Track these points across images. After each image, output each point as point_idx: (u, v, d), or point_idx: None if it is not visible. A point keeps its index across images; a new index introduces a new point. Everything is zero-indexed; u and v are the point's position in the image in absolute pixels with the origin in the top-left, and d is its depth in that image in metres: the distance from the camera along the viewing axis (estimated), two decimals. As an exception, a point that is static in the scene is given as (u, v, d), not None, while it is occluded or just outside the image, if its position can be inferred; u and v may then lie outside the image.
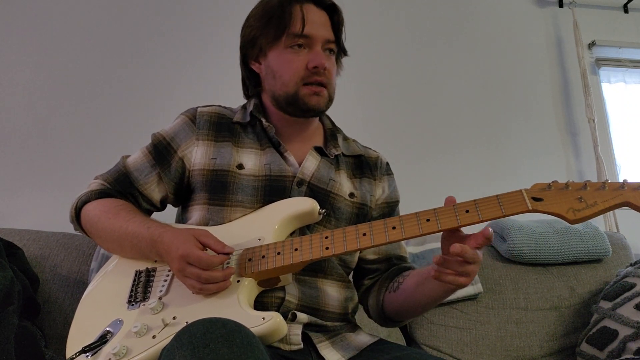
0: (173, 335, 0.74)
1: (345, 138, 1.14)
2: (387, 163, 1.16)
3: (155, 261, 0.92)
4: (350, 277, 1.10)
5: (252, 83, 1.10)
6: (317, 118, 1.10)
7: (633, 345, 1.33)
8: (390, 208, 1.12)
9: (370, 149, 1.16)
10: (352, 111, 2.12)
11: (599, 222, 2.08)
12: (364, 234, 0.83)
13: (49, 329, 1.34)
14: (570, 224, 0.77)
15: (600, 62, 2.49)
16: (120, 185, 1.03)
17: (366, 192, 1.06)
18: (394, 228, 0.82)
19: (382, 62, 2.27)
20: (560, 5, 2.50)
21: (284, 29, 0.98)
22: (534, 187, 0.80)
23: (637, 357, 1.28)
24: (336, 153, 1.06)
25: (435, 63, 2.32)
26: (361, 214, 1.04)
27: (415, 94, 2.26)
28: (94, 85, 1.99)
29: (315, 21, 0.99)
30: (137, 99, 2.00)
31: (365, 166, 1.10)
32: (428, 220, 0.81)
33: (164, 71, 2.05)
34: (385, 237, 0.82)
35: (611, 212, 2.10)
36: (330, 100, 1.02)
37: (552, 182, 0.79)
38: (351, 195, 1.03)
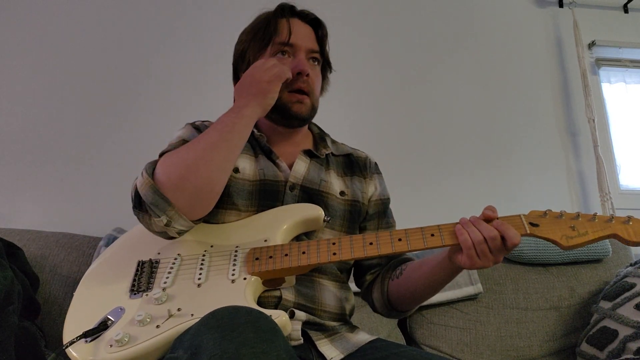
0: (177, 326, 0.75)
1: (334, 141, 1.17)
2: (376, 163, 1.19)
3: (159, 253, 0.93)
4: (350, 278, 1.12)
5: None
6: (306, 127, 1.14)
7: (633, 345, 1.33)
8: (384, 205, 1.14)
9: (358, 150, 1.19)
10: (349, 123, 2.13)
11: (599, 222, 2.07)
12: (371, 243, 0.87)
13: (49, 329, 1.34)
14: (563, 250, 0.83)
15: (600, 62, 2.49)
16: None
17: (357, 190, 1.09)
18: (400, 240, 0.86)
19: (381, 63, 2.27)
20: (560, 5, 2.50)
21: (270, 39, 1.04)
22: (531, 213, 0.87)
23: (637, 357, 1.28)
24: (326, 152, 1.10)
25: (435, 63, 2.32)
26: (355, 211, 1.07)
27: (415, 94, 2.26)
28: (94, 86, 1.99)
29: (300, 32, 1.05)
30: (137, 100, 2.00)
31: (354, 165, 1.14)
32: (432, 235, 0.86)
33: (164, 73, 2.06)
34: (391, 247, 0.86)
35: (610, 211, 2.10)
36: (313, 108, 1.06)
37: (547, 210, 0.86)
38: (342, 193, 1.06)
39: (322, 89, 1.15)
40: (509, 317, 1.64)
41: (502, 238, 0.81)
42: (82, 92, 1.98)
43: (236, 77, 1.12)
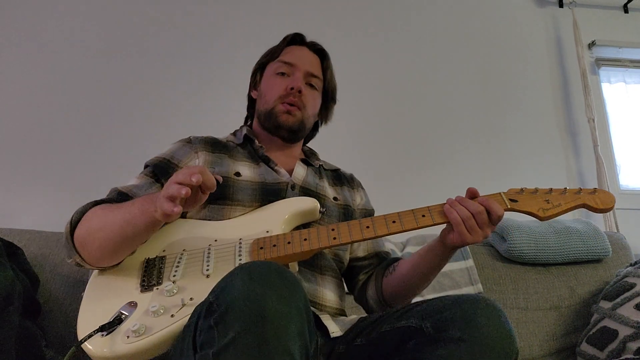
0: (192, 313, 0.75)
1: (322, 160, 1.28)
2: (359, 181, 1.30)
3: (164, 250, 0.95)
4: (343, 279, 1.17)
5: (249, 109, 1.28)
6: (300, 144, 1.24)
7: (633, 345, 1.33)
8: (369, 215, 1.22)
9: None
10: (349, 111, 2.12)
11: (598, 222, 2.08)
12: (367, 227, 0.93)
13: (49, 329, 1.34)
14: (541, 220, 0.92)
15: (600, 62, 2.49)
16: (121, 198, 0.97)
17: (347, 197, 1.20)
18: (394, 222, 0.93)
19: (380, 62, 2.27)
20: (560, 5, 2.51)
21: (275, 58, 1.20)
22: (510, 191, 0.96)
23: (637, 357, 1.29)
24: (319, 163, 1.22)
25: (435, 63, 2.32)
26: (347, 214, 1.15)
27: (414, 95, 2.26)
28: (94, 86, 1.99)
29: (303, 57, 1.19)
30: (137, 101, 2.00)
31: (342, 178, 1.26)
32: (423, 216, 0.93)
33: (165, 73, 2.06)
34: (386, 229, 0.92)
35: (611, 212, 2.11)
36: (302, 123, 1.15)
37: (523, 188, 0.95)
38: (335, 199, 1.16)
39: (324, 119, 1.27)
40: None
41: (488, 212, 0.88)
42: (83, 92, 1.98)
43: (249, 93, 1.27)
